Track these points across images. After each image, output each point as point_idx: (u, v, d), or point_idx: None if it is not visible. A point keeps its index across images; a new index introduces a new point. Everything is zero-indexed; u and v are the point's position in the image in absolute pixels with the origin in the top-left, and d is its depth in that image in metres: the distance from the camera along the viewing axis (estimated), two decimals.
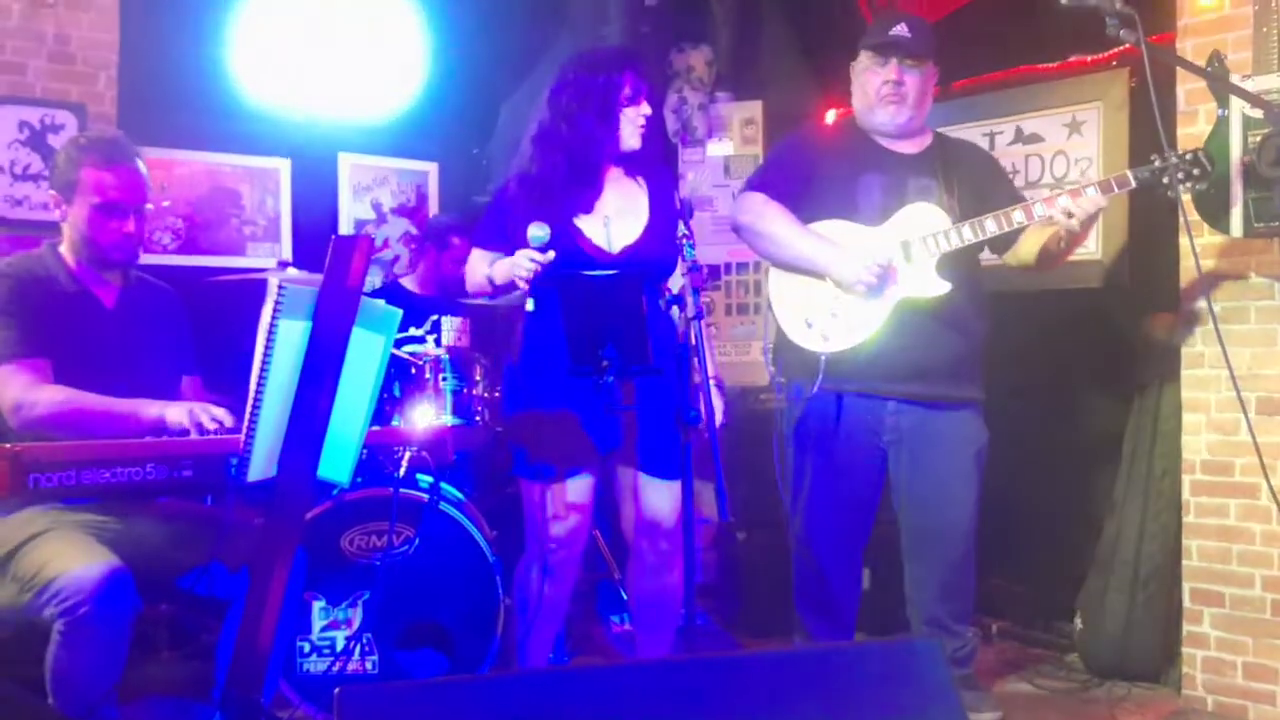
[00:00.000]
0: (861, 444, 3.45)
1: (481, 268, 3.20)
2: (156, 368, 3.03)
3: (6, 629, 2.65)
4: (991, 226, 3.25)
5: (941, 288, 3.31)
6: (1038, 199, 3.26)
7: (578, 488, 3.16)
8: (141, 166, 2.95)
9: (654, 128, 3.26)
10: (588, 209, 3.17)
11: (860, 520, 3.52)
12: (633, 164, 3.25)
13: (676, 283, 3.02)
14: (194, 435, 2.66)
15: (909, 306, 3.31)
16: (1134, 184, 3.15)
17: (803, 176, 3.47)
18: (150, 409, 2.73)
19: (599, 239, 3.14)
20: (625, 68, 3.16)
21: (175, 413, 2.72)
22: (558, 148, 3.14)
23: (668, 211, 3.19)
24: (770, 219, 3.43)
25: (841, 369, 3.35)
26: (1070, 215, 3.14)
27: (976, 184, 3.45)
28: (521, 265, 2.97)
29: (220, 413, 2.75)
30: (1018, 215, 3.23)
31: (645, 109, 3.18)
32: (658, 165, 3.36)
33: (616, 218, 3.18)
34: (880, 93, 3.42)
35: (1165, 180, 3.10)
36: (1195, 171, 3.11)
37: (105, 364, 2.89)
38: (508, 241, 3.14)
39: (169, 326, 3.14)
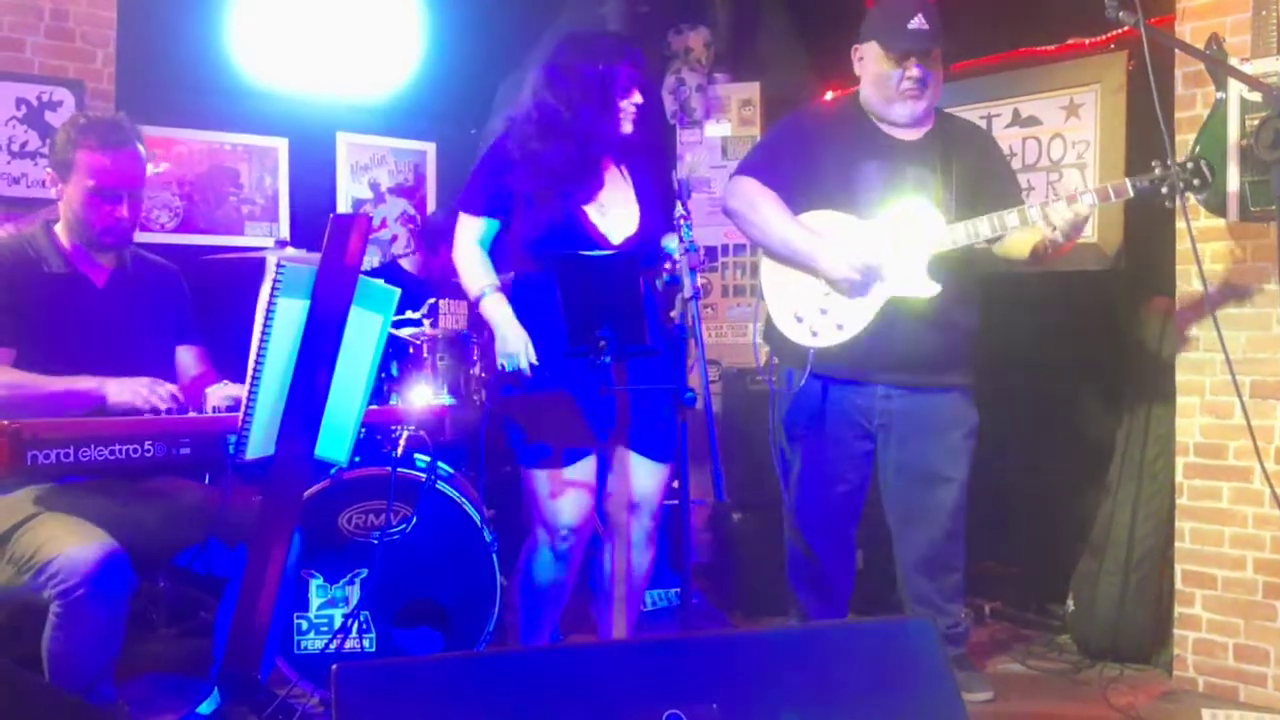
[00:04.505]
0: (851, 428, 3.46)
1: (479, 275, 3.15)
2: (149, 345, 3.02)
3: (4, 609, 2.66)
4: (985, 230, 3.22)
5: (931, 289, 3.28)
6: (1034, 203, 3.22)
7: (582, 471, 3.14)
8: (141, 150, 2.92)
9: (645, 112, 3.21)
10: (590, 199, 3.15)
11: (851, 503, 3.53)
12: (621, 151, 3.22)
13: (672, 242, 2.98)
14: (147, 415, 2.62)
15: (897, 305, 3.30)
16: (1132, 194, 3.14)
17: (799, 163, 3.43)
18: (88, 384, 2.68)
19: (603, 228, 3.13)
20: (623, 58, 3.12)
21: (117, 389, 2.68)
22: (563, 135, 3.10)
23: (654, 199, 3.20)
24: (760, 208, 3.41)
25: (830, 358, 3.36)
26: (1054, 226, 3.11)
27: (975, 175, 3.42)
28: (519, 359, 3.03)
29: (167, 390, 2.72)
30: (1012, 219, 3.21)
31: (637, 98, 3.14)
32: (646, 151, 3.31)
33: (613, 208, 3.17)
34: (902, 88, 3.35)
35: (1165, 190, 3.10)
36: (1196, 181, 3.09)
37: (93, 344, 2.88)
38: (505, 211, 3.14)
39: (164, 303, 3.12)
